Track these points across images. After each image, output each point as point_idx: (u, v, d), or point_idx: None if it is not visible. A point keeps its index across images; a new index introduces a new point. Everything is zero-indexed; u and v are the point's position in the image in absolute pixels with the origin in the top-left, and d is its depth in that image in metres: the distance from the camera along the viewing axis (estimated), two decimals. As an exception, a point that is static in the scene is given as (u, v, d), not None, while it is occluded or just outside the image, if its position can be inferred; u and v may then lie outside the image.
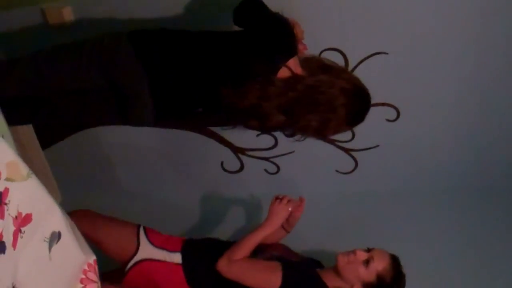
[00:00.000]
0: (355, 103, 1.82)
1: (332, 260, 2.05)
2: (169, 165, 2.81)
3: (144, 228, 2.15)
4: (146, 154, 2.76)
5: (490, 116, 2.49)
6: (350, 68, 2.31)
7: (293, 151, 2.68)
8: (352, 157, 2.69)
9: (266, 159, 2.73)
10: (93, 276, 1.63)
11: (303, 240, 2.49)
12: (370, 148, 2.64)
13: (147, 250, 2.08)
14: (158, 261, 2.06)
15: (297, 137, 1.99)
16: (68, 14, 2.22)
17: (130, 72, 1.80)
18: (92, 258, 1.64)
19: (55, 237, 1.48)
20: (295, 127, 1.88)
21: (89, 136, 2.69)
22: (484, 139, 2.56)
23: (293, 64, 1.83)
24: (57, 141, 2.65)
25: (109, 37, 1.83)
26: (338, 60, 2.26)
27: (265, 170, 2.78)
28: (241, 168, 2.79)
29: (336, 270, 2.04)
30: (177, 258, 2.08)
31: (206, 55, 1.84)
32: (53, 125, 2.46)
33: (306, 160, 2.71)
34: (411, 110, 2.46)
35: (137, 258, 2.07)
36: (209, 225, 2.82)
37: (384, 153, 2.65)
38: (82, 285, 1.58)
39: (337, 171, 2.77)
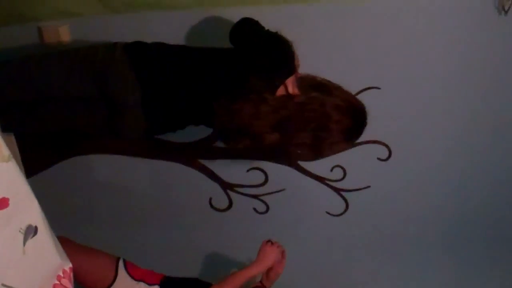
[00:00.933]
0: (349, 119, 1.82)
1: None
2: (156, 200, 2.74)
3: (124, 261, 2.05)
4: (133, 188, 2.70)
5: (487, 159, 2.49)
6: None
7: (284, 189, 2.64)
8: (343, 197, 2.64)
9: (256, 196, 2.68)
10: (68, 283, 1.53)
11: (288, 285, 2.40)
12: (361, 189, 2.61)
13: (124, 282, 1.97)
14: None
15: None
16: (65, 34, 2.23)
17: (122, 81, 1.79)
18: (68, 266, 1.55)
19: (31, 231, 1.40)
20: (290, 145, 1.86)
21: (76, 167, 2.64)
22: (479, 185, 2.55)
23: (290, 83, 1.85)
24: (43, 167, 2.59)
25: (104, 46, 1.83)
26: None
27: (254, 209, 2.72)
28: (230, 205, 2.72)
29: None
30: None
31: (202, 69, 1.85)
32: (40, 148, 2.42)
33: (296, 199, 2.66)
34: (403, 149, 2.46)
35: None
36: (193, 265, 2.70)
37: (375, 195, 2.61)
38: (55, 292, 1.49)
39: (327, 212, 2.71)
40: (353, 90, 2.27)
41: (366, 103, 2.29)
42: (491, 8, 2.07)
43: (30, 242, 1.38)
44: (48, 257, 1.46)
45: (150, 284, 1.98)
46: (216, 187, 2.66)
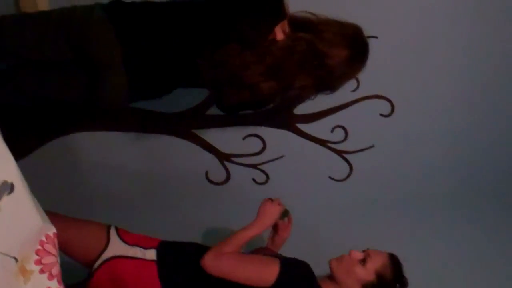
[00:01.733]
0: (345, 50, 1.68)
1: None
2: (149, 177, 2.59)
3: (116, 228, 1.90)
4: (124, 166, 2.55)
5: (493, 110, 2.38)
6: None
7: (283, 156, 2.50)
8: (346, 160, 2.51)
9: (254, 166, 2.54)
10: (52, 249, 1.39)
11: (294, 254, 2.27)
12: (364, 150, 2.48)
13: (117, 247, 1.81)
14: (130, 258, 1.79)
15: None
16: (43, 3, 2.10)
17: (101, 40, 1.64)
18: (52, 231, 1.42)
19: (7, 187, 1.27)
20: (293, 89, 1.72)
21: (62, 148, 2.49)
22: (486, 137, 2.43)
23: (279, 29, 1.71)
24: (27, 151, 2.46)
25: (82, 6, 1.70)
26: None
27: (253, 179, 2.58)
28: (227, 178, 2.58)
29: (331, 277, 1.82)
30: (150, 254, 1.81)
31: (184, 22, 1.70)
32: (22, 132, 2.29)
33: (296, 166, 2.53)
34: (406, 103, 2.33)
35: (105, 255, 1.79)
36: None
37: (379, 155, 2.48)
38: (38, 257, 1.35)
39: (330, 177, 2.58)
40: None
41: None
42: None
43: (6, 199, 1.25)
44: (27, 218, 1.33)
45: (146, 248, 1.83)
46: (212, 158, 2.52)
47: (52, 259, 1.38)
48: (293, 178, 2.57)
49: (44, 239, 1.38)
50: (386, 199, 2.56)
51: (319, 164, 2.53)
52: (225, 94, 1.74)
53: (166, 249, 1.85)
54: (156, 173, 2.56)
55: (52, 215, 1.85)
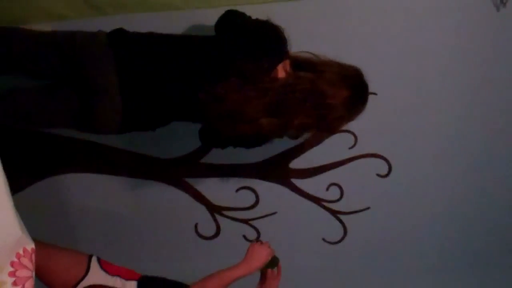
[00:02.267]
0: (345, 90, 1.70)
1: None
2: (138, 225, 2.49)
3: (98, 258, 1.79)
4: (113, 211, 2.46)
5: (498, 170, 2.36)
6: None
7: (276, 212, 2.44)
8: (341, 221, 2.44)
9: (246, 221, 2.46)
10: (28, 263, 1.31)
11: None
12: (360, 211, 2.42)
13: (97, 276, 1.70)
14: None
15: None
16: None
17: (100, 63, 1.64)
18: (31, 246, 1.34)
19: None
20: (293, 127, 1.71)
21: (50, 189, 2.41)
22: (488, 202, 2.39)
23: (281, 68, 1.74)
24: (14, 190, 2.37)
25: (85, 31, 1.72)
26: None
27: (244, 236, 2.49)
28: (217, 233, 2.49)
29: None
30: (131, 285, 1.71)
31: (185, 55, 1.72)
32: (10, 170, 2.22)
33: (289, 224, 2.46)
34: (404, 164, 2.31)
35: (84, 283, 1.67)
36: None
37: (375, 218, 2.42)
38: (12, 269, 1.27)
39: (324, 240, 2.49)
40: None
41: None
42: (489, 4, 2.03)
43: (-15, 199, 1.19)
44: (5, 224, 1.26)
45: (126, 279, 1.72)
46: (202, 210, 2.45)
47: (27, 273, 1.29)
48: (285, 237, 2.47)
49: (21, 252, 1.30)
50: (381, 265, 2.47)
51: (312, 223, 2.46)
52: (225, 127, 1.72)
53: (147, 282, 1.75)
54: (145, 221, 2.47)
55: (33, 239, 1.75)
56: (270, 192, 2.39)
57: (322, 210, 2.42)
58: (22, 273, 1.28)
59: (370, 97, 2.17)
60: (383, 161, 2.31)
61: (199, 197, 2.42)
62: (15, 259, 1.28)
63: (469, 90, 2.20)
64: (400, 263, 2.47)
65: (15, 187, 2.34)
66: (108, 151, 2.32)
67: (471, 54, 2.14)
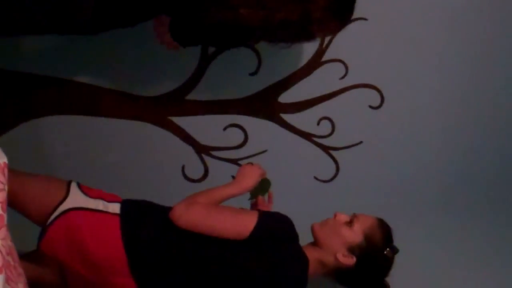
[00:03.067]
0: None
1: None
2: (123, 167, 2.38)
3: (78, 183, 1.69)
4: (96, 154, 2.36)
5: (488, 106, 2.28)
6: (327, 38, 2.12)
7: (266, 150, 2.35)
8: (333, 158, 2.36)
9: (235, 161, 2.37)
10: (0, 175, 1.22)
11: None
12: (352, 146, 2.34)
13: (77, 199, 1.59)
14: (90, 210, 1.57)
15: (283, 44, 1.66)
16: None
17: None
18: (3, 160, 1.25)
19: None
20: (274, 23, 1.57)
21: (33, 131, 2.31)
22: (481, 134, 2.32)
23: None
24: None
25: None
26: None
27: (233, 176, 2.40)
28: (205, 174, 2.41)
29: (313, 244, 1.64)
30: (113, 207, 1.61)
31: None
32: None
33: (280, 163, 2.36)
34: (397, 93, 2.22)
35: (63, 207, 1.55)
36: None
37: (368, 152, 2.33)
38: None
39: (315, 178, 2.41)
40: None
41: (350, 36, 2.10)
42: None
43: None
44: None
45: (109, 202, 1.63)
46: (189, 151, 2.36)
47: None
48: (275, 176, 2.38)
49: (-8, 164, 1.21)
50: (374, 202, 2.37)
51: (304, 161, 2.38)
52: (203, 11, 1.58)
53: (131, 204, 1.67)
54: (129, 162, 2.36)
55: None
56: (259, 129, 2.30)
57: (313, 146, 2.33)
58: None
59: (361, 22, 2.10)
60: (375, 92, 2.22)
61: (186, 137, 2.33)
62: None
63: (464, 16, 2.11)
64: (396, 200, 2.38)
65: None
66: (91, 90, 2.22)
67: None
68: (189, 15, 1.64)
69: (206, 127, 2.31)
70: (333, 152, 2.35)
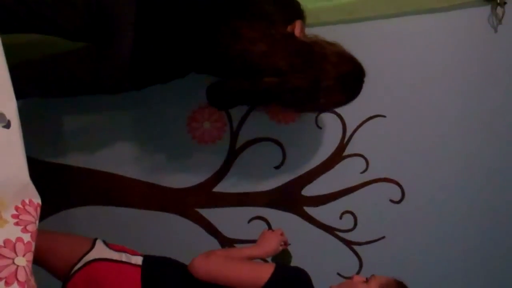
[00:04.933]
0: (347, 65, 1.72)
1: None
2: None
3: (104, 240, 1.77)
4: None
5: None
6: (348, 134, 2.25)
7: (289, 244, 2.35)
8: (356, 253, 2.36)
9: (258, 255, 2.39)
10: (33, 212, 1.32)
11: None
12: (375, 241, 2.35)
13: (102, 251, 1.68)
14: (114, 261, 1.64)
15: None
16: None
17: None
18: (37, 201, 1.35)
19: (4, 120, 1.26)
20: (284, 88, 1.68)
21: (63, 222, 2.41)
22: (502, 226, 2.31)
23: (299, 25, 1.76)
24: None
25: None
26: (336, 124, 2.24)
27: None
28: (228, 268, 2.41)
29: None
30: (136, 260, 1.68)
31: None
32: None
33: (302, 257, 2.34)
34: (417, 188, 2.28)
35: (88, 257, 1.64)
36: None
37: (391, 248, 2.34)
38: (16, 213, 1.27)
39: (339, 274, 2.39)
40: (357, 118, 2.24)
41: (369, 133, 2.23)
42: (486, 25, 2.13)
43: (1, 130, 1.23)
44: (15, 164, 1.28)
45: (132, 255, 1.69)
46: (214, 243, 2.40)
47: (30, 219, 1.29)
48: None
49: (27, 201, 1.31)
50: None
51: (327, 256, 2.38)
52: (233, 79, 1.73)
53: (154, 258, 1.73)
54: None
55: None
56: (283, 221, 2.34)
57: (336, 240, 2.36)
58: (26, 217, 1.28)
59: (380, 119, 2.24)
60: (395, 186, 2.29)
61: (212, 230, 2.39)
62: (20, 206, 1.28)
63: (476, 110, 2.24)
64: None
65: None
66: (120, 181, 2.35)
67: (476, 77, 2.21)
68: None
69: (232, 219, 2.38)
70: (356, 248, 2.36)
